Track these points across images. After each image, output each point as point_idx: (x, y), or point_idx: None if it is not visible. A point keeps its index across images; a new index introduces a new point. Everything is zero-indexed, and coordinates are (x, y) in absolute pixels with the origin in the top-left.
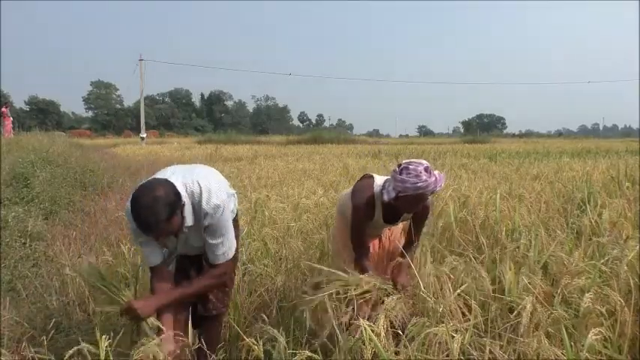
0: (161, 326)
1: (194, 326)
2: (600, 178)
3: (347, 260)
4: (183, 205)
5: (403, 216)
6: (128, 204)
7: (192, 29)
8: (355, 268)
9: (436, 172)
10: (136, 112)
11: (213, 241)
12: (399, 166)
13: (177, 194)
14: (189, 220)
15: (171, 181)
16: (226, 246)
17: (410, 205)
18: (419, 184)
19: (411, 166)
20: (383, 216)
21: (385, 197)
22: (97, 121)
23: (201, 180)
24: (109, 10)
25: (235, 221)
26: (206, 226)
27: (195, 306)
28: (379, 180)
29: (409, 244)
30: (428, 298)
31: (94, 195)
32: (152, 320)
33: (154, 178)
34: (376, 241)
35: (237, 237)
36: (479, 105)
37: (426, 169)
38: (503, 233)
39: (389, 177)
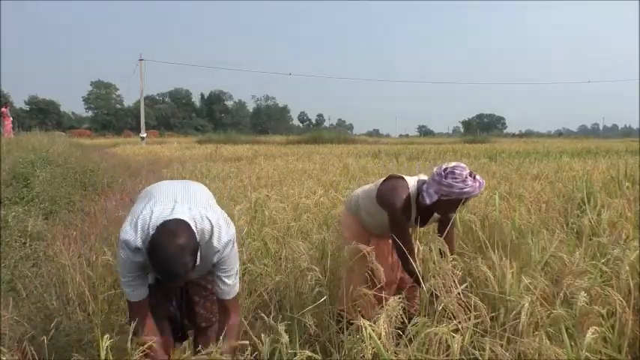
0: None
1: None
2: (600, 178)
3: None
4: (199, 245)
5: (431, 218)
6: (128, 236)
7: (192, 29)
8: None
9: (478, 177)
10: (136, 112)
11: (225, 275)
12: (445, 170)
13: (195, 236)
14: (197, 259)
15: (184, 219)
16: (236, 279)
17: (449, 209)
18: (465, 190)
19: (457, 171)
20: (416, 218)
21: (427, 200)
22: (97, 121)
23: (209, 215)
24: (109, 10)
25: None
26: (216, 262)
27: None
28: (411, 181)
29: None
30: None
31: (94, 195)
32: None
33: (171, 221)
34: (387, 247)
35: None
36: (479, 105)
37: (470, 174)
38: (503, 233)
39: (421, 178)
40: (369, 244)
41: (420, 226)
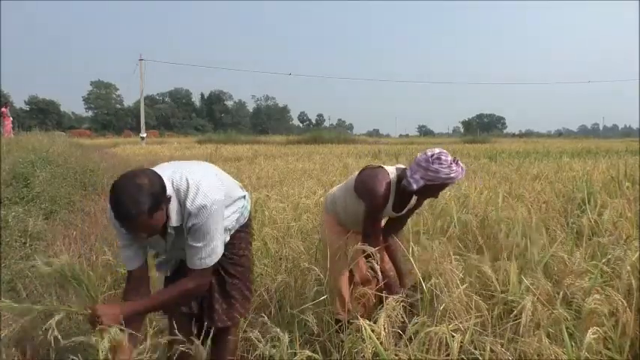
0: (123, 341)
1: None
2: (600, 178)
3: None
4: (169, 199)
5: (409, 204)
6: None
7: (192, 29)
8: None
9: (460, 163)
10: (136, 112)
11: (193, 244)
12: (432, 156)
13: (163, 186)
14: (174, 220)
15: (158, 172)
16: (206, 252)
17: (432, 193)
18: (452, 175)
19: (442, 157)
20: (393, 205)
21: (414, 186)
22: (97, 121)
23: (190, 176)
24: (109, 10)
25: (248, 225)
26: (189, 227)
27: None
28: (391, 169)
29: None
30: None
31: (94, 195)
32: (115, 331)
33: (141, 168)
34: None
35: (248, 242)
36: (479, 105)
37: (454, 160)
38: (503, 233)
39: (399, 166)
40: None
41: (397, 212)
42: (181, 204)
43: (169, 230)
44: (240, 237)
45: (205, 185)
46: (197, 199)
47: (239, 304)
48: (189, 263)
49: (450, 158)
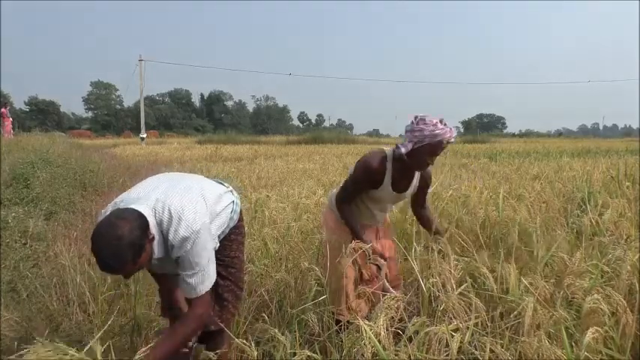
0: None
1: (197, 341)
2: (600, 178)
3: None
4: (152, 238)
5: (412, 184)
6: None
7: (193, 29)
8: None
9: (448, 124)
10: (136, 113)
11: (183, 273)
12: (415, 118)
13: (143, 228)
14: (157, 252)
15: (139, 209)
16: (198, 279)
17: (424, 158)
18: (436, 132)
19: (427, 118)
20: (392, 182)
21: (402, 150)
22: (97, 121)
23: (173, 206)
24: (109, 10)
25: (240, 226)
26: (176, 258)
27: None
28: (387, 148)
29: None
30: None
31: (95, 195)
32: None
33: (117, 210)
34: (372, 235)
35: (240, 243)
36: (479, 105)
37: (441, 121)
38: (507, 233)
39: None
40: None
41: (401, 191)
42: (165, 236)
43: (153, 261)
44: (232, 239)
45: (187, 213)
46: (179, 230)
47: (231, 305)
48: (184, 293)
49: (435, 119)
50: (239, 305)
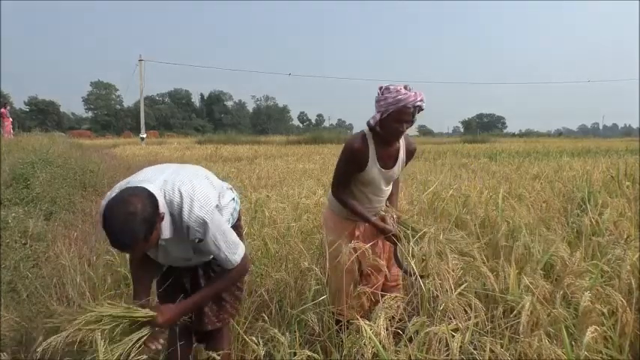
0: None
1: (198, 341)
2: (600, 178)
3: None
4: (162, 217)
5: (400, 158)
6: (101, 209)
7: (192, 29)
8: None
9: (414, 89)
10: (136, 113)
11: (216, 253)
12: (380, 88)
13: (154, 205)
14: (165, 233)
15: (148, 188)
16: (230, 252)
17: (394, 125)
18: (399, 97)
19: (391, 87)
20: (378, 158)
21: (372, 122)
22: (97, 121)
23: (183, 187)
24: (109, 10)
25: (238, 226)
26: (196, 241)
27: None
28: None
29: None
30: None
31: (95, 195)
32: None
33: (128, 188)
34: (374, 231)
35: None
36: (479, 105)
37: (405, 87)
38: (507, 233)
39: None
40: (355, 232)
41: (389, 167)
42: (175, 216)
43: (161, 242)
44: None
45: (199, 194)
46: (194, 210)
47: (229, 304)
48: (221, 265)
49: (400, 87)
50: (238, 306)
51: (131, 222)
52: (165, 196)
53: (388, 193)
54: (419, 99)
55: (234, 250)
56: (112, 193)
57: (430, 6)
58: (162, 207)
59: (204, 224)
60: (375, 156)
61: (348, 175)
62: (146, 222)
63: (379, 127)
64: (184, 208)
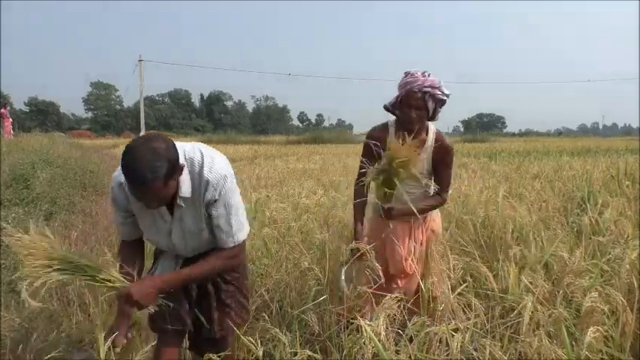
0: (143, 321)
1: (197, 348)
2: (600, 177)
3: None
4: (182, 168)
5: (423, 157)
6: (116, 172)
7: (192, 29)
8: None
9: (432, 75)
10: (136, 113)
11: (220, 219)
12: (405, 73)
13: (176, 151)
14: (185, 190)
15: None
16: (236, 225)
17: (405, 109)
18: (407, 80)
19: (411, 71)
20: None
21: (389, 105)
22: (97, 121)
23: (203, 149)
24: (109, 10)
25: None
26: (210, 201)
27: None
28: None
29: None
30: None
31: (94, 195)
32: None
33: (151, 133)
34: (403, 231)
35: (242, 248)
36: (479, 105)
37: (423, 74)
38: (507, 232)
39: None
40: (384, 233)
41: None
42: (195, 175)
43: (179, 202)
44: None
45: (219, 157)
46: (214, 167)
47: (234, 312)
48: (221, 243)
49: (418, 73)
50: (244, 315)
51: (153, 159)
52: (185, 155)
53: (421, 188)
54: (427, 84)
55: (239, 227)
56: (118, 172)
57: (431, 5)
58: (182, 161)
59: (224, 178)
60: (394, 140)
61: (365, 164)
62: (169, 161)
63: (398, 112)
64: (205, 164)
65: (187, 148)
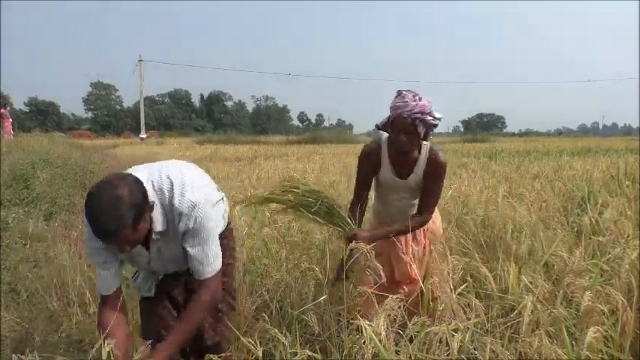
0: None
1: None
2: (600, 177)
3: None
4: (152, 206)
5: (416, 171)
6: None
7: (192, 29)
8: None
9: (424, 99)
10: (136, 113)
11: (195, 251)
12: (397, 92)
13: (143, 191)
14: (158, 225)
15: (135, 175)
16: (211, 255)
17: (394, 132)
18: (398, 104)
19: (404, 92)
20: (391, 164)
21: (379, 124)
22: (97, 122)
23: (172, 174)
24: (109, 10)
25: (229, 230)
26: (184, 232)
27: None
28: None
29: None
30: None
31: None
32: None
33: (113, 173)
34: (405, 239)
35: (232, 249)
36: (479, 105)
37: (414, 96)
38: (506, 232)
39: None
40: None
41: (404, 177)
42: (166, 206)
43: (154, 237)
44: (223, 244)
45: (189, 180)
46: (185, 195)
47: (226, 316)
48: (197, 275)
49: (411, 94)
50: (232, 317)
51: (118, 205)
52: (154, 186)
53: (413, 199)
54: (416, 110)
55: (215, 256)
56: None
57: (431, 5)
58: (152, 196)
59: (196, 208)
60: (388, 159)
61: (364, 179)
62: (134, 207)
63: (390, 129)
64: (175, 193)
65: (155, 177)
